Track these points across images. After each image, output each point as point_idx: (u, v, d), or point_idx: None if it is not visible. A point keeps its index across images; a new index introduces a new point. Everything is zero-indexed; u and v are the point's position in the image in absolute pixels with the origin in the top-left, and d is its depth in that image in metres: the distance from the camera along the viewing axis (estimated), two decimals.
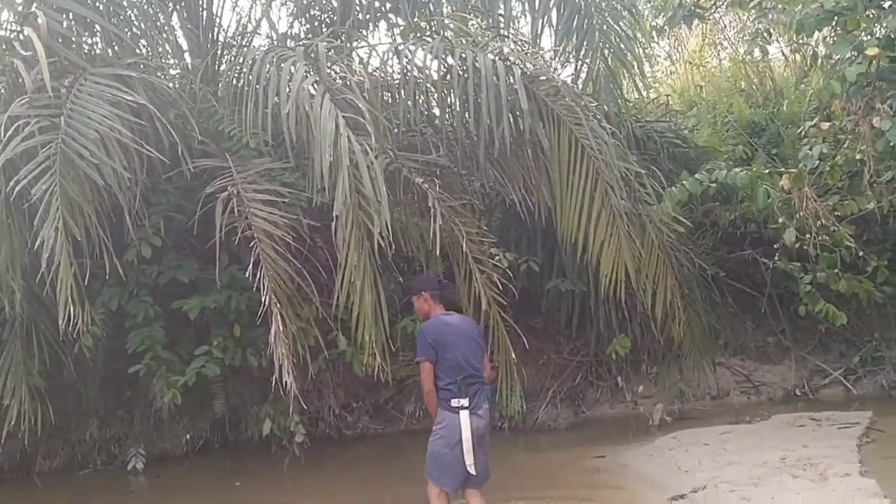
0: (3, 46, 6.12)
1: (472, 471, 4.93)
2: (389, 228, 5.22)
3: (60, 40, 6.41)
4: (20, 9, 6.44)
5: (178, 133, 6.07)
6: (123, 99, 5.75)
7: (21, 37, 6.22)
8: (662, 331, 7.98)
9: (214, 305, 6.93)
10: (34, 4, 6.06)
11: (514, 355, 6.68)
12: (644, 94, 9.99)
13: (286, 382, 5.45)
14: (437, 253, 6.44)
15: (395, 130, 6.93)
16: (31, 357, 7.06)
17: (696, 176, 7.31)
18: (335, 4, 8.20)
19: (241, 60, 6.82)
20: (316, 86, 5.58)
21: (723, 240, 9.24)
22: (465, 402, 4.95)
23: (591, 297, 8.55)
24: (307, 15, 8.67)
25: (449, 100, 7.19)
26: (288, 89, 5.64)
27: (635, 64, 8.40)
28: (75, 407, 8.17)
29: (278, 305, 5.64)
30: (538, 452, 7.97)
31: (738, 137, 9.84)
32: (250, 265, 5.80)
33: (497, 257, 7.18)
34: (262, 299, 5.67)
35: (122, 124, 5.59)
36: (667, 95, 11.53)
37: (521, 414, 8.11)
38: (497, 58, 6.50)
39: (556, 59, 8.62)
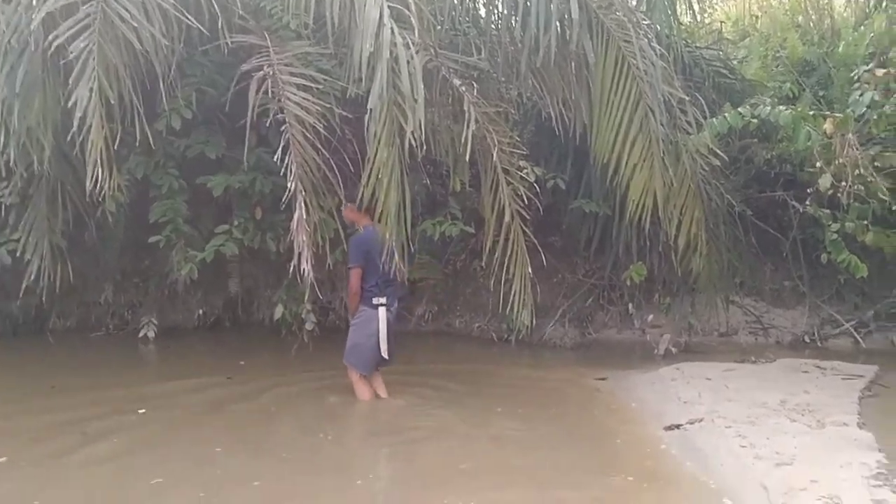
0: None
1: (386, 356, 6.09)
2: (422, 128, 5.13)
3: None
4: None
5: (220, 5, 5.93)
6: None
7: None
8: (681, 263, 7.92)
9: (239, 185, 6.94)
10: None
11: (530, 270, 6.67)
12: (698, 18, 9.65)
13: (303, 270, 5.44)
14: (466, 159, 6.37)
15: (438, 27, 6.74)
16: (55, 215, 7.16)
17: (739, 109, 7.12)
18: None
19: None
20: None
21: (755, 178, 9.07)
22: (383, 300, 6.04)
23: (613, 220, 8.51)
24: None
25: (497, 1, 6.97)
26: None
27: None
28: (93, 270, 8.33)
29: (303, 192, 5.60)
30: (541, 368, 8.06)
31: (787, 74, 9.53)
32: (279, 149, 5.74)
33: (525, 170, 7.08)
34: (288, 185, 5.63)
35: None
36: (720, 22, 11.16)
37: (529, 329, 8.18)
38: None
39: None
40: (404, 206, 5.55)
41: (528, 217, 6.60)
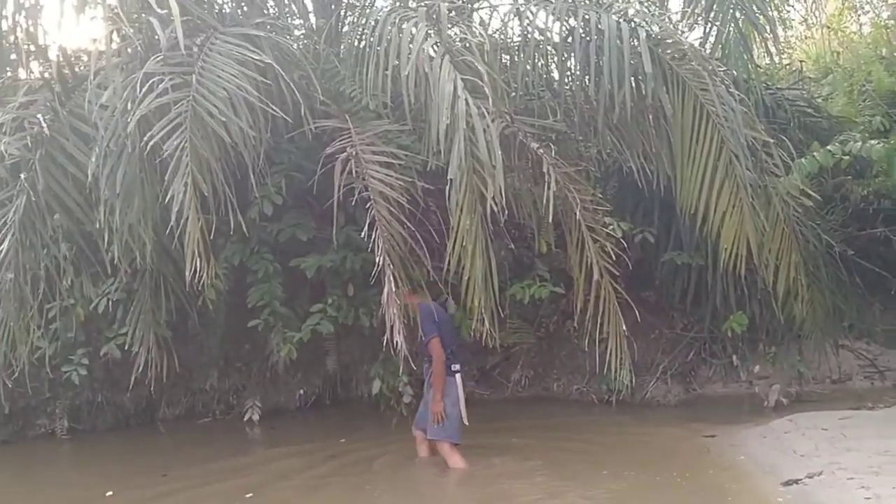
0: (140, 5, 6.29)
1: (466, 421, 6.07)
2: (503, 194, 5.18)
3: None
4: None
5: (302, 93, 6.14)
6: (251, 58, 5.84)
7: None
8: (783, 309, 7.66)
9: (330, 264, 7.10)
10: None
11: (624, 327, 6.56)
12: (776, 59, 9.55)
13: (396, 343, 5.49)
14: (550, 220, 6.38)
15: (513, 94, 6.84)
16: (159, 307, 7.44)
17: (829, 147, 6.95)
18: None
19: (363, 21, 6.91)
20: (436, 47, 5.54)
21: (853, 216, 8.80)
22: (458, 366, 6.15)
23: (708, 271, 8.32)
24: None
25: (569, 63, 7.07)
26: (408, 51, 5.62)
27: (768, 27, 7.98)
28: (197, 358, 8.59)
29: (391, 266, 5.67)
30: (646, 427, 7.82)
31: (876, 108, 9.26)
32: (366, 226, 5.87)
33: (611, 226, 7.03)
34: (376, 260, 5.73)
35: (249, 83, 5.69)
36: (800, 62, 11.00)
37: (629, 388, 8.01)
38: (621, 19, 6.32)
39: (684, 21, 8.32)
40: (491, 271, 5.58)
41: (617, 273, 6.53)
